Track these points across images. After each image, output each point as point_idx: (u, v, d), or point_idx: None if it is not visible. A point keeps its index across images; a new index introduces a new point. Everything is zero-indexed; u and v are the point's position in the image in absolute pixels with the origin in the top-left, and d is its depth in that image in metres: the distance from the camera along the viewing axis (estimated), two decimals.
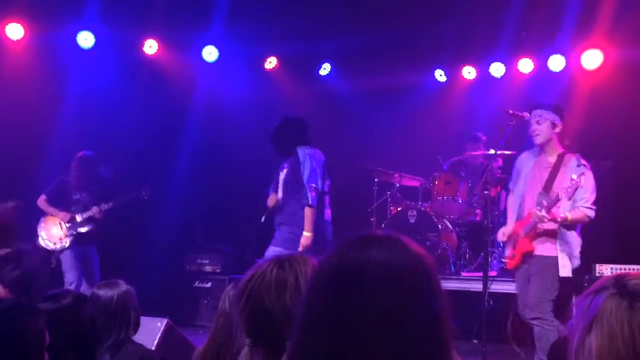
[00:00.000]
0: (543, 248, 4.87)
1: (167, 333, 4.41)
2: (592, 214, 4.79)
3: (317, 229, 5.62)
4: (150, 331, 4.25)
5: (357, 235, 1.19)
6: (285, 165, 5.83)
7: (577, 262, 4.89)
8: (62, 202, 6.82)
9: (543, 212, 4.69)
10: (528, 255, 4.90)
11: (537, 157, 4.96)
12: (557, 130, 4.89)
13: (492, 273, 6.38)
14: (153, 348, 4.13)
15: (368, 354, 1.08)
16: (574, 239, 4.88)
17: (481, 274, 4.95)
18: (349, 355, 1.09)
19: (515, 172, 5.18)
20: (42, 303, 2.51)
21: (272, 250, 5.60)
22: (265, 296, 1.66)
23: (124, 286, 3.18)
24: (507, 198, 5.37)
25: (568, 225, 4.81)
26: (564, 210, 4.75)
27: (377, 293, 1.10)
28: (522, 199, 5.01)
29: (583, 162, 4.86)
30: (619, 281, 1.31)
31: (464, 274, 6.90)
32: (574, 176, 4.61)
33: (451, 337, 1.15)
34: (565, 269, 4.83)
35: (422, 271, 1.14)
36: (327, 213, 5.87)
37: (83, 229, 6.74)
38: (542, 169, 4.95)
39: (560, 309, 5.68)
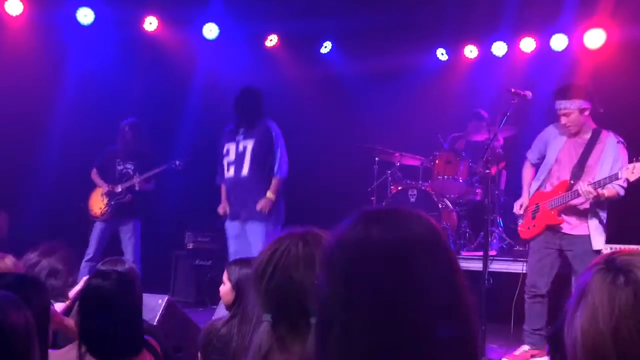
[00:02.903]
0: (579, 227, 4.95)
1: (168, 310, 4.44)
2: (622, 192, 4.88)
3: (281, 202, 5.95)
4: (151, 308, 4.28)
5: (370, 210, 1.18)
6: (249, 137, 5.96)
7: (605, 236, 4.98)
8: (107, 173, 7.02)
9: (590, 188, 4.72)
10: (553, 229, 4.97)
11: (570, 136, 4.99)
12: (587, 112, 4.91)
13: (492, 252, 6.40)
14: (154, 324, 4.16)
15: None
16: (604, 214, 4.97)
17: (481, 253, 4.96)
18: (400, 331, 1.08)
19: (542, 143, 5.20)
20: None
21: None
22: (293, 271, 1.64)
23: (127, 264, 3.23)
24: (523, 167, 5.38)
25: (599, 201, 4.88)
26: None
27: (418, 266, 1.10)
28: (548, 172, 5.06)
29: (620, 139, 4.97)
30: (609, 257, 1.32)
31: (464, 253, 6.91)
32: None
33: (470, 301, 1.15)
34: (599, 242, 4.91)
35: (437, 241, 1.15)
36: None
37: (122, 200, 6.90)
38: (577, 145, 5.00)
39: (560, 290, 5.68)
